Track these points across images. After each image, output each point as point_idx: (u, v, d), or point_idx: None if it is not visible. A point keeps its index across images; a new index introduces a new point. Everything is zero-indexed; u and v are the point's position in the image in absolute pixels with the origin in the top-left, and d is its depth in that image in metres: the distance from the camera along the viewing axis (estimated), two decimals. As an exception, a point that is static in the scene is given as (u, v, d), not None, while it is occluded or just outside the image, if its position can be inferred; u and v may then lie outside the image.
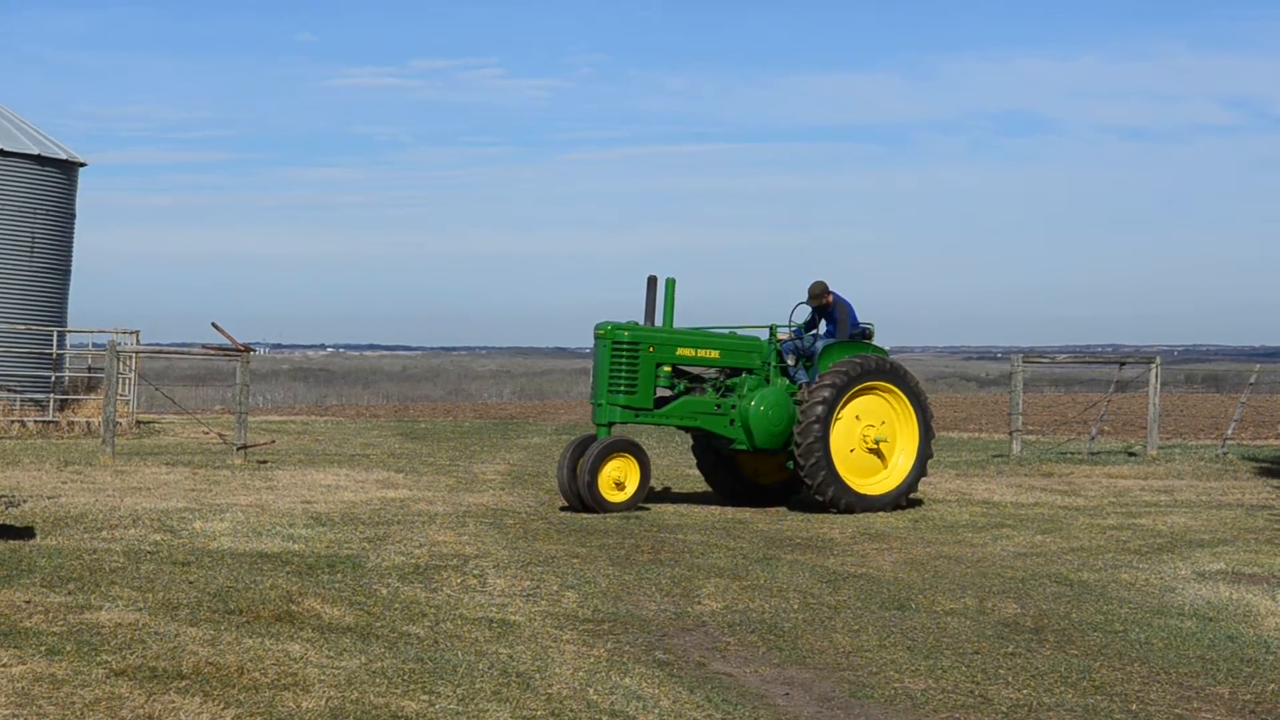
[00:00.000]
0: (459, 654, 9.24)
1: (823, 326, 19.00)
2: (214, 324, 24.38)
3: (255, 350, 27.34)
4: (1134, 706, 8.84)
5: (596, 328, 18.07)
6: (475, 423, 40.26)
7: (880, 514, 18.03)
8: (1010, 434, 27.22)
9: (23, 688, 7.59)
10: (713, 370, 18.85)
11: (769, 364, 18.64)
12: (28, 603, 9.68)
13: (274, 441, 27.09)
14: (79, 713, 7.27)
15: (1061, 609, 11.69)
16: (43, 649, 8.43)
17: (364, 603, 10.76)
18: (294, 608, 10.23)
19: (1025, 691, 9.10)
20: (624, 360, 17.83)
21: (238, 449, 23.46)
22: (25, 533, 13.41)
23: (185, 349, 34.94)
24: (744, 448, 18.41)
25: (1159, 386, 27.98)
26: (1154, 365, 28.05)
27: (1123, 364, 30.21)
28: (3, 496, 16.40)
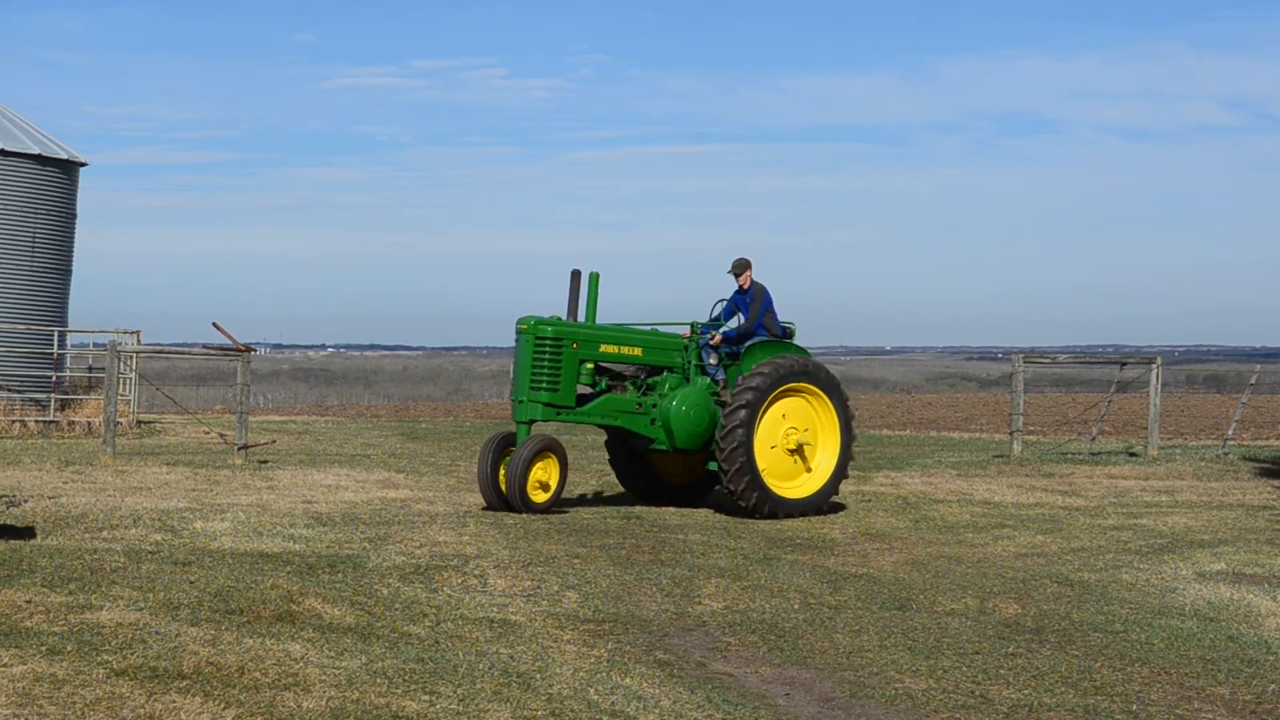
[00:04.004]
0: (460, 654, 9.24)
1: (737, 320, 18.40)
2: (215, 324, 24.39)
3: (256, 350, 27.34)
4: (1134, 707, 8.85)
5: (519, 322, 17.53)
6: (476, 423, 40.26)
7: (880, 513, 18.02)
8: (1011, 434, 27.22)
9: (24, 688, 7.59)
10: (632, 368, 18.32)
11: (689, 363, 18.21)
12: (28, 602, 9.68)
13: (275, 441, 27.08)
14: (80, 713, 7.27)
15: (1062, 609, 11.69)
16: (44, 649, 8.43)
17: (365, 603, 10.76)
18: (295, 608, 10.22)
19: (1026, 692, 9.10)
20: (547, 356, 17.26)
21: (238, 449, 23.46)
22: (26, 533, 13.40)
23: (186, 349, 34.93)
24: (664, 448, 17.96)
25: (1160, 387, 27.97)
26: (1155, 366, 28.03)
27: (1123, 364, 30.20)
28: (3, 496, 16.40)
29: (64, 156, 32.14)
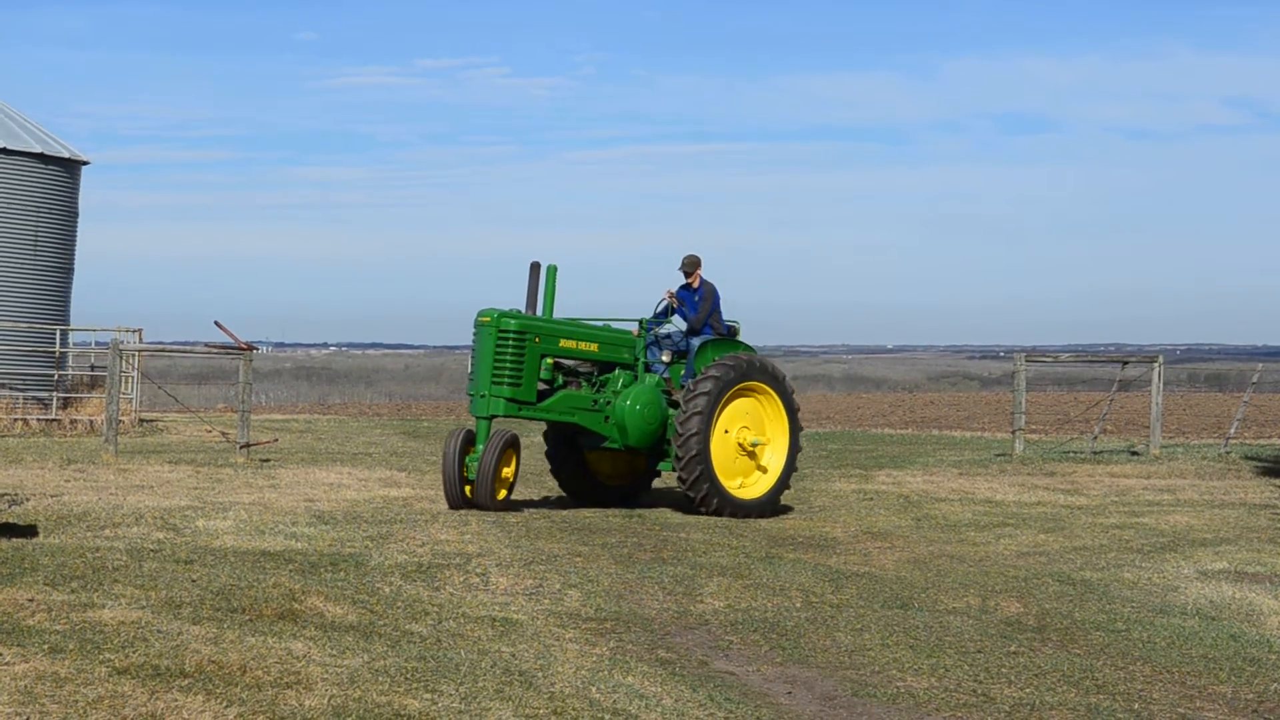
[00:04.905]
0: (462, 652, 9.24)
1: (677, 320, 18.13)
2: (217, 322, 24.40)
3: (258, 349, 27.35)
4: (1136, 705, 8.85)
5: (480, 314, 17.00)
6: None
7: (882, 512, 18.02)
8: (1013, 433, 27.22)
9: (26, 686, 7.59)
10: (585, 364, 17.74)
11: (638, 359, 17.84)
12: (30, 601, 9.68)
13: (277, 440, 27.09)
14: (82, 711, 7.27)
15: (1064, 608, 11.69)
16: (46, 647, 8.43)
17: (367, 601, 10.76)
18: (297, 606, 10.23)
19: (1028, 690, 9.10)
20: (509, 350, 16.76)
21: (240, 447, 23.47)
22: (28, 531, 13.40)
23: (188, 347, 34.97)
24: (616, 446, 17.49)
25: (1161, 386, 27.96)
26: (1156, 364, 28.03)
27: (1125, 363, 30.19)
28: (6, 495, 16.40)
29: (66, 155, 32.16)
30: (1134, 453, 27.86)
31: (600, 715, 8.00)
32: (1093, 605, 11.83)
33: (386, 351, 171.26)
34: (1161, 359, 28.42)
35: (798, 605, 11.61)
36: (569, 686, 8.54)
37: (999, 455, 27.12)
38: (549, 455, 18.37)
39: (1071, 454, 27.35)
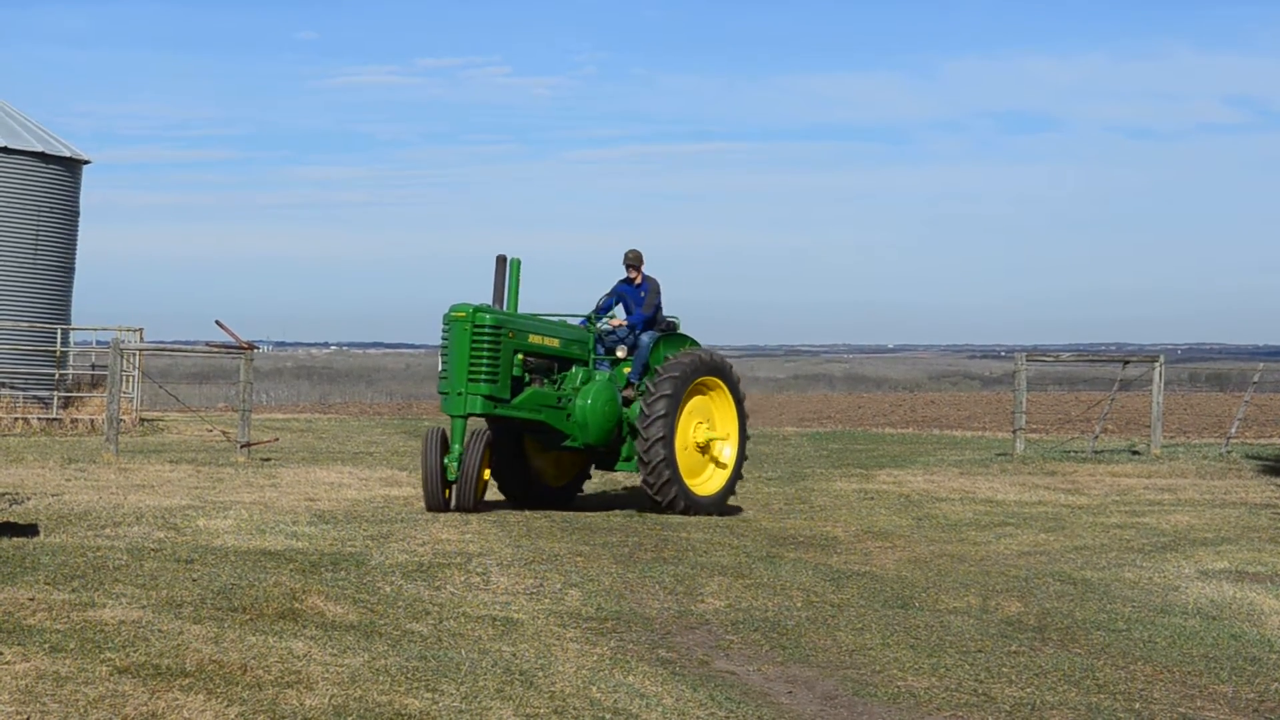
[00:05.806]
0: (462, 652, 9.24)
1: (619, 314, 17.94)
2: (218, 321, 24.42)
3: (259, 348, 27.35)
4: (1137, 705, 8.85)
5: (452, 309, 16.59)
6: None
7: (883, 512, 18.02)
8: (1014, 432, 27.21)
9: (26, 685, 7.59)
10: (546, 360, 17.24)
11: (591, 355, 17.63)
12: (31, 600, 9.68)
13: (277, 439, 27.09)
14: (82, 710, 7.27)
15: (1065, 607, 11.69)
16: (46, 646, 8.43)
17: (367, 600, 10.76)
18: (297, 605, 10.22)
19: (1028, 690, 9.10)
20: (485, 346, 16.36)
21: (241, 446, 23.47)
22: (29, 530, 13.40)
23: (189, 346, 34.98)
24: (577, 444, 17.19)
25: (1162, 385, 27.96)
26: (1157, 364, 28.03)
27: (1126, 363, 30.19)
28: (6, 494, 16.40)
29: (67, 154, 32.18)
30: (1135, 452, 27.86)
31: (601, 715, 8.00)
32: (1093, 605, 11.83)
33: (387, 351, 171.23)
34: (1162, 358, 28.44)
35: (798, 605, 11.61)
36: (570, 686, 8.54)
37: (1000, 455, 27.12)
38: (493, 455, 17.52)
39: (1072, 454, 27.34)
